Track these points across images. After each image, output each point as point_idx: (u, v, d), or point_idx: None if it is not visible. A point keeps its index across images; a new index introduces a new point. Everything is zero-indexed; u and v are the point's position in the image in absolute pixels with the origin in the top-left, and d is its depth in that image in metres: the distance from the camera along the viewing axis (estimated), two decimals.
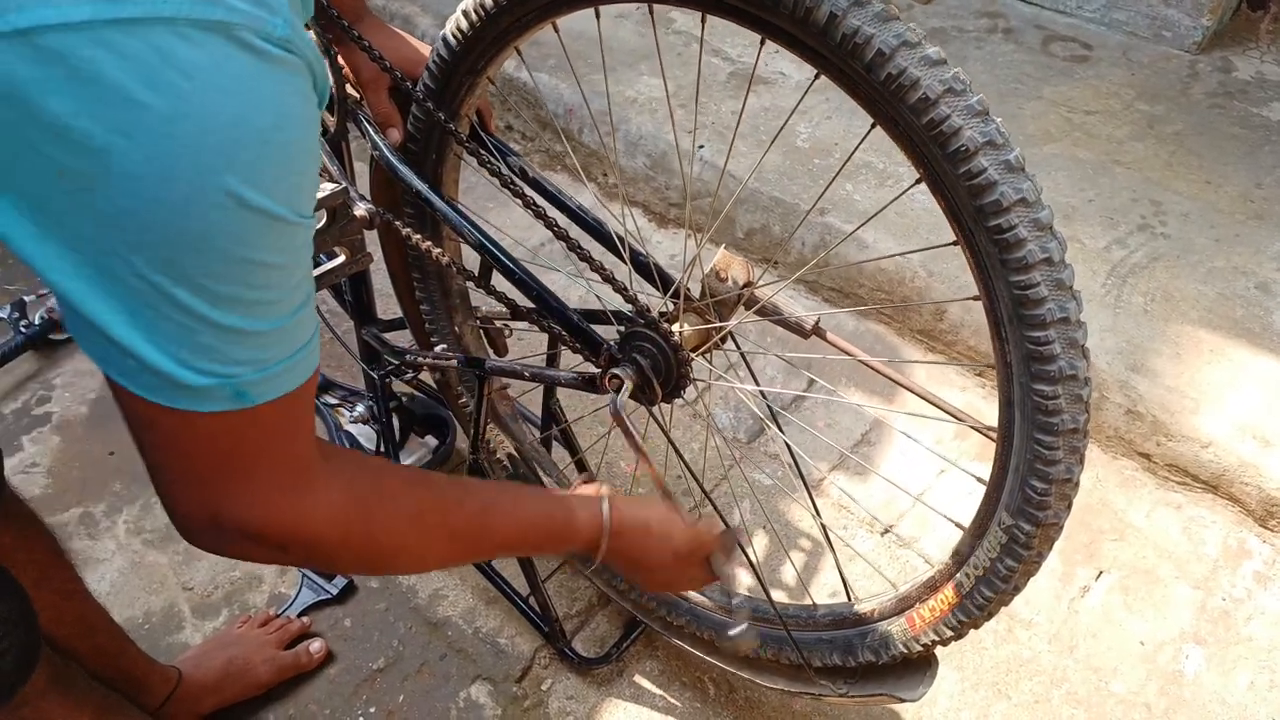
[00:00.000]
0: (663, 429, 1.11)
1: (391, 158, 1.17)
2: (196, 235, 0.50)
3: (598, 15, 0.95)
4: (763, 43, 0.82)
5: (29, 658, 0.94)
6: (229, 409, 0.56)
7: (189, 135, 0.47)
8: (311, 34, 1.15)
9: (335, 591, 1.52)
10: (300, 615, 1.49)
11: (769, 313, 1.04)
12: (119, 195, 0.47)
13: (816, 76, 0.81)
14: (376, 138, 1.19)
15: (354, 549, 0.68)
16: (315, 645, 1.44)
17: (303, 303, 0.59)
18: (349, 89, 1.19)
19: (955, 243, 0.80)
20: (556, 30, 1.00)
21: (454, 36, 1.05)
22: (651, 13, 0.91)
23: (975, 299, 0.82)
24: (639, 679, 1.44)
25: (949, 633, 0.99)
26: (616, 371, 1.02)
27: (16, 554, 1.10)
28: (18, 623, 0.91)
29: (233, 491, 0.60)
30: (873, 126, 0.80)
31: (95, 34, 0.43)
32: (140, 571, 1.56)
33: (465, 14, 1.02)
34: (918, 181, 0.80)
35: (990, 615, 0.96)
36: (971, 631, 0.99)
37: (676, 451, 1.11)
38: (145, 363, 0.52)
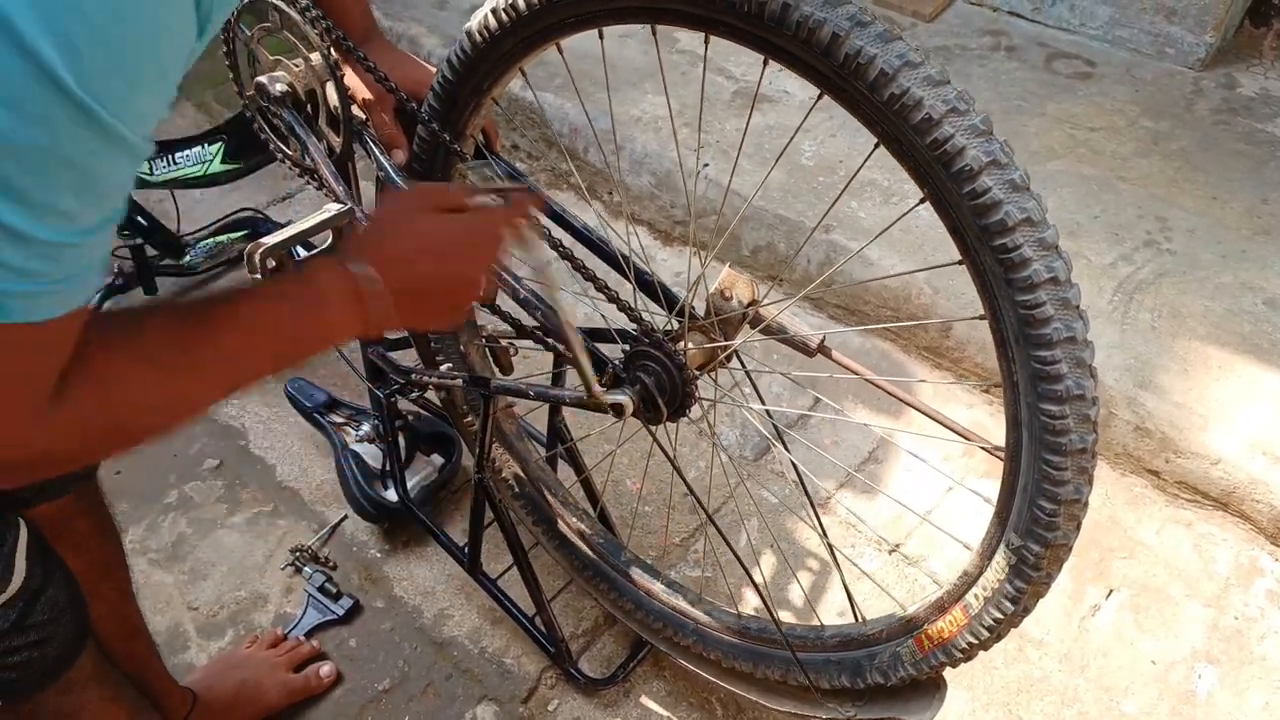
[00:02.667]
0: (664, 450, 1.10)
1: (397, 178, 1.17)
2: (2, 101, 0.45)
3: (601, 37, 0.95)
4: (765, 63, 0.82)
5: (75, 645, 0.94)
6: None
7: None
8: (317, 55, 1.16)
9: (341, 612, 1.52)
10: (306, 635, 1.49)
11: (774, 331, 1.03)
12: None
13: (820, 97, 0.81)
14: (382, 158, 1.19)
15: (100, 435, 0.62)
16: (325, 669, 1.44)
17: (98, 226, 0.54)
18: (355, 110, 1.20)
19: (960, 262, 0.80)
20: (560, 52, 1.01)
21: (458, 58, 1.06)
22: (654, 33, 0.92)
23: (981, 318, 0.82)
24: (645, 700, 1.43)
25: (958, 655, 0.98)
26: (618, 396, 1.02)
27: (90, 542, 1.12)
28: (65, 609, 0.92)
29: None
30: (876, 146, 0.80)
31: None
32: (146, 591, 1.56)
33: (469, 35, 1.02)
34: (922, 200, 0.80)
35: (1000, 637, 0.95)
36: (981, 653, 0.98)
37: (678, 471, 1.11)
38: None
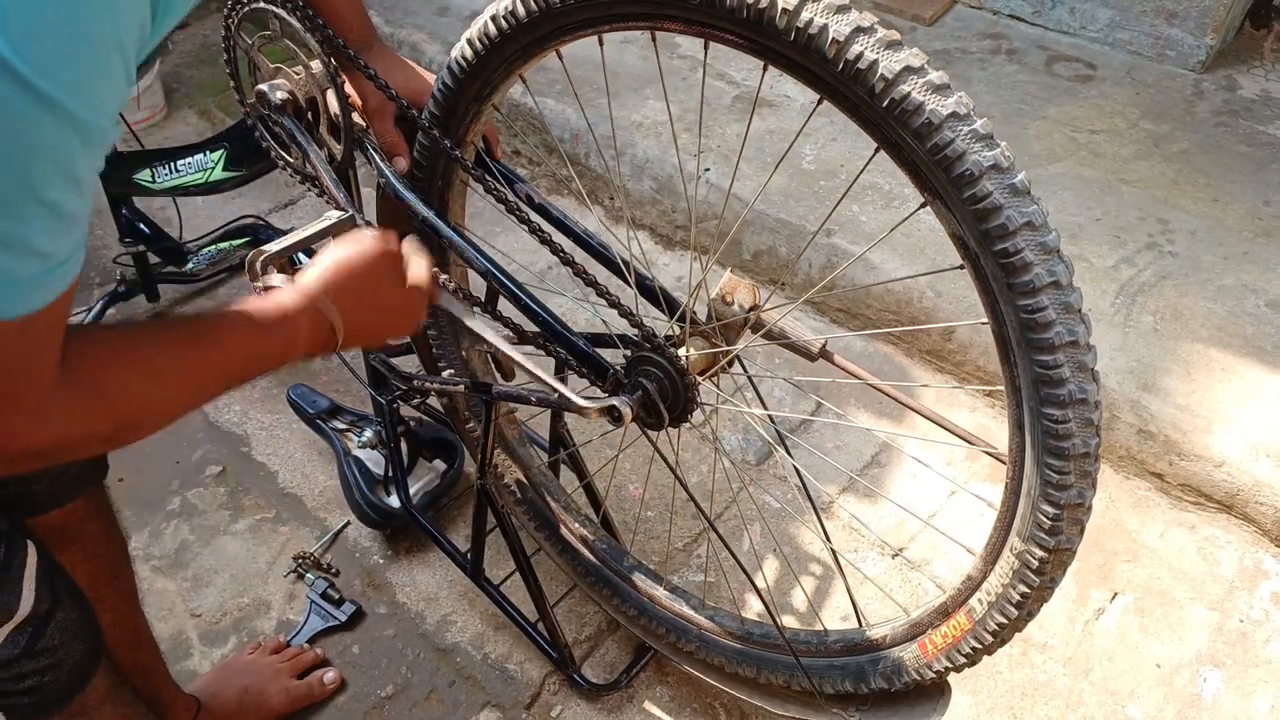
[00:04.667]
0: (663, 458, 1.10)
1: (398, 185, 1.17)
2: None
3: (601, 43, 0.95)
4: (765, 69, 0.82)
5: (87, 668, 0.94)
6: None
7: None
8: (318, 63, 1.16)
9: (344, 618, 1.51)
10: (309, 642, 1.49)
11: (776, 336, 1.03)
12: None
13: (820, 102, 0.81)
14: (383, 166, 1.19)
15: (100, 432, 0.67)
16: (329, 675, 1.44)
17: (80, 215, 0.55)
18: (356, 117, 1.20)
19: (961, 267, 0.80)
20: (560, 58, 1.01)
21: (458, 65, 1.06)
22: (654, 39, 0.92)
23: (983, 323, 0.82)
24: (649, 705, 1.43)
25: (962, 659, 0.98)
26: (615, 403, 1.02)
27: (100, 547, 1.12)
28: (77, 633, 0.91)
29: None
30: (876, 151, 0.80)
31: None
32: (149, 599, 1.56)
33: (469, 43, 1.03)
34: (923, 205, 0.80)
35: (1004, 641, 0.95)
36: (985, 657, 0.98)
37: (679, 479, 1.10)
38: None
